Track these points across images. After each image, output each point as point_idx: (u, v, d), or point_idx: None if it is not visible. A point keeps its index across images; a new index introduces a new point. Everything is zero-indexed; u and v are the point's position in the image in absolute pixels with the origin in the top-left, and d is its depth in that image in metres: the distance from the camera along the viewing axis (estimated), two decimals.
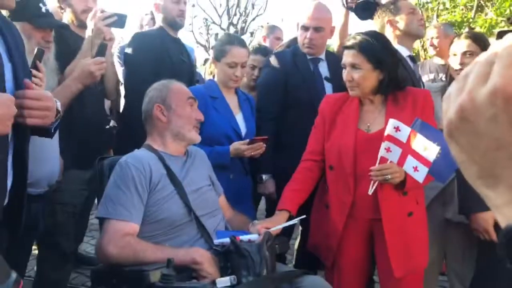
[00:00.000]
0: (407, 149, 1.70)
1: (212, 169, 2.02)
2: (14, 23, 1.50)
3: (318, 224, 2.04)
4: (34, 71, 1.48)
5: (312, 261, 2.27)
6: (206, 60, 6.35)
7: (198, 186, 1.83)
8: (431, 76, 3.17)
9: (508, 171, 0.40)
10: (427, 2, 8.38)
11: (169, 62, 2.60)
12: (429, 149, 1.64)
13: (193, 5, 14.30)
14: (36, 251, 2.43)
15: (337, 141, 1.95)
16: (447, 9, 8.05)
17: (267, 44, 3.86)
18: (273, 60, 2.67)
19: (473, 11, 7.58)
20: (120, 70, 3.39)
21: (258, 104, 2.54)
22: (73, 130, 2.26)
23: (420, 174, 1.67)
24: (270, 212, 2.56)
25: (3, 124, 1.16)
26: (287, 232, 2.29)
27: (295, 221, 1.91)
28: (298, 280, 1.67)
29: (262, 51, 2.99)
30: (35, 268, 2.51)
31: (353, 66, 1.88)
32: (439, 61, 3.24)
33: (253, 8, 15.07)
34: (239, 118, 2.37)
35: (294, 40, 2.84)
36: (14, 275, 0.89)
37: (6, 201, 1.34)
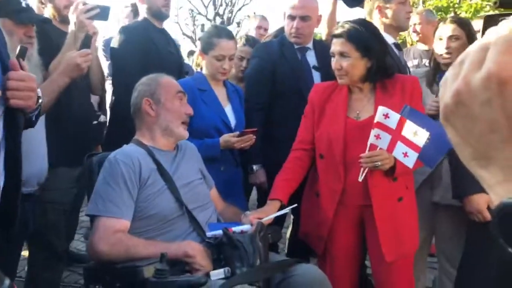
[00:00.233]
0: (396, 135, 1.72)
1: (203, 162, 2.01)
2: None
3: (309, 212, 2.05)
4: None
5: (304, 249, 2.29)
6: (190, 52, 6.30)
7: (189, 180, 1.82)
8: (415, 62, 3.20)
9: (501, 152, 0.42)
10: None
11: (157, 54, 2.56)
12: (418, 135, 1.66)
13: None
14: (27, 251, 2.41)
15: (326, 130, 1.96)
16: None
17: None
18: (260, 51, 2.65)
19: None
20: (105, 64, 3.35)
21: (246, 95, 2.53)
22: (60, 127, 2.24)
23: (410, 160, 1.69)
24: (261, 202, 2.57)
25: None
26: (279, 221, 2.30)
27: (286, 210, 1.92)
28: (291, 269, 1.68)
29: (250, 42, 2.97)
30: (26, 268, 2.48)
31: (342, 55, 1.89)
32: (422, 47, 3.27)
33: None
34: (228, 110, 2.35)
35: (281, 30, 2.82)
36: (7, 281, 0.88)
37: None
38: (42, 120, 1.97)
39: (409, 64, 3.10)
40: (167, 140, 1.86)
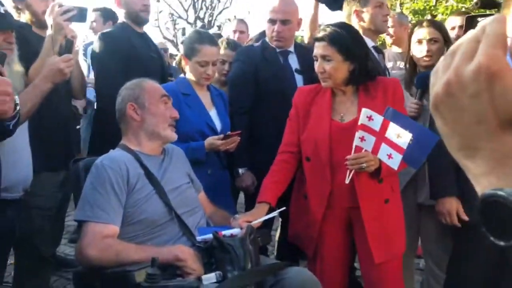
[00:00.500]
0: (380, 137, 1.74)
1: (190, 166, 2.01)
2: None
3: (298, 214, 2.07)
4: None
5: (294, 252, 2.30)
6: (171, 55, 6.26)
7: (177, 185, 1.82)
8: (390, 64, 3.26)
9: (486, 144, 0.44)
10: None
11: (138, 60, 2.54)
12: (401, 137, 1.69)
13: (158, 0, 14.08)
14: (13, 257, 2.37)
15: (312, 132, 1.98)
16: None
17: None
18: (242, 54, 2.66)
19: None
20: (85, 67, 3.31)
21: (230, 99, 2.54)
22: (42, 133, 2.20)
23: (394, 161, 1.72)
24: (248, 206, 2.58)
25: None
26: (268, 224, 2.31)
27: (275, 213, 1.93)
28: (283, 272, 1.69)
29: (231, 45, 2.98)
30: (12, 274, 2.44)
31: (324, 58, 1.91)
32: (396, 49, 3.33)
33: (219, 1, 14.97)
34: (213, 114, 2.36)
35: (263, 33, 2.84)
36: None
37: None
38: (25, 126, 1.95)
39: None
40: (154, 144, 1.86)
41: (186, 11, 14.87)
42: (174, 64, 4.56)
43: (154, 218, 1.68)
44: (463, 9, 5.85)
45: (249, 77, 2.53)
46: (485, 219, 0.42)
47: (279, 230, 2.89)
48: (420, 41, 2.39)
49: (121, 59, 2.47)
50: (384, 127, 1.73)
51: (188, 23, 14.78)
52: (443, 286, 2.22)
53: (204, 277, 1.51)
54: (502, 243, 0.41)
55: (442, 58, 0.47)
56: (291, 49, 2.65)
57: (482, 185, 0.44)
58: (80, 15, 2.19)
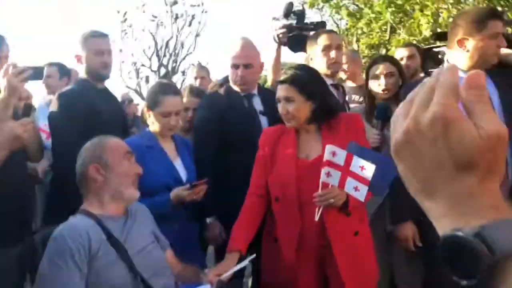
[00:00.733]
0: (345, 171, 1.76)
1: (155, 223, 1.92)
2: None
3: (270, 259, 2.03)
4: None
5: None
6: (130, 101, 6.23)
7: (141, 246, 1.72)
8: (345, 98, 3.39)
9: (446, 187, 0.46)
10: (347, 29, 8.99)
11: (98, 117, 2.47)
12: (365, 169, 1.72)
13: (121, 50, 14.16)
14: None
15: (279, 173, 1.99)
16: (364, 33, 8.64)
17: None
18: (206, 101, 2.67)
19: (388, 33, 8.19)
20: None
21: (195, 147, 2.51)
22: None
23: (361, 194, 1.74)
24: (218, 254, 2.51)
25: None
26: (239, 271, 2.25)
27: (246, 262, 1.87)
28: None
29: (194, 92, 2.98)
30: None
31: (287, 99, 1.96)
32: (350, 83, 3.49)
33: (182, 47, 15.18)
34: (178, 164, 2.32)
35: (226, 78, 2.89)
36: None
37: None
38: None
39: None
40: (117, 205, 1.76)
41: (150, 59, 14.98)
42: (139, 113, 4.54)
43: (118, 286, 1.57)
44: (414, 41, 6.18)
45: (214, 124, 2.52)
46: (447, 260, 0.44)
47: (251, 278, 2.78)
48: (377, 76, 2.51)
49: (79, 119, 2.38)
50: (348, 161, 1.76)
51: (152, 70, 14.86)
52: None
53: None
54: (464, 282, 0.43)
55: (400, 105, 0.50)
56: (255, 91, 2.68)
57: (443, 226, 0.46)
58: (36, 73, 2.11)
